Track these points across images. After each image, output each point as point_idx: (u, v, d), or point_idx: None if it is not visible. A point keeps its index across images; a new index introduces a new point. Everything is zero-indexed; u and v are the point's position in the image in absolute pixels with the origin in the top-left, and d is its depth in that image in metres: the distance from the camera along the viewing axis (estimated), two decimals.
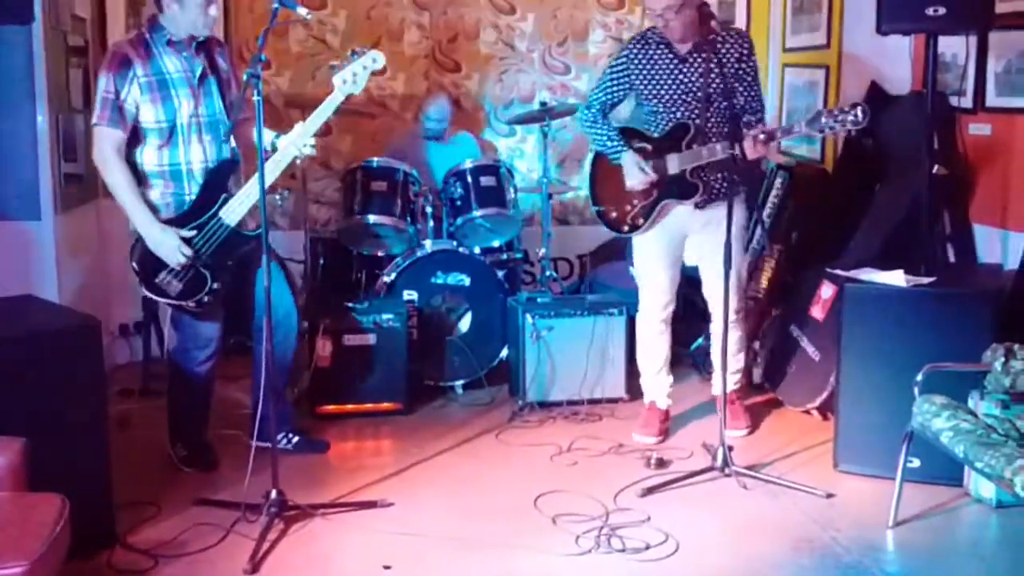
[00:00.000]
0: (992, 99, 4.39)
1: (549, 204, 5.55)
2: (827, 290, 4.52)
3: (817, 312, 4.60)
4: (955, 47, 4.48)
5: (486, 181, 5.24)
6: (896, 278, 3.95)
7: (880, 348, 3.92)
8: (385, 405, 4.76)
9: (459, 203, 5.20)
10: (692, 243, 4.35)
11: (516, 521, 3.65)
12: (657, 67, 4.18)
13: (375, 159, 5.27)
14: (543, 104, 5.65)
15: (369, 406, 4.74)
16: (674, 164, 4.16)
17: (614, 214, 4.39)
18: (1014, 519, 3.66)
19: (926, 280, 3.96)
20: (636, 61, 4.22)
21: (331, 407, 4.72)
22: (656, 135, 4.24)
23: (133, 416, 4.62)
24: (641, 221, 4.30)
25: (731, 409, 4.46)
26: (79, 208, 4.85)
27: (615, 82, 4.28)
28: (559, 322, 4.87)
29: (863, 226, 4.76)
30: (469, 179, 5.21)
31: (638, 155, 4.22)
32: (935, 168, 4.24)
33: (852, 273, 4.13)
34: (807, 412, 4.64)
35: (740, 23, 6.22)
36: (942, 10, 3.88)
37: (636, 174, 4.20)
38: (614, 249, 6.07)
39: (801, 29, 5.78)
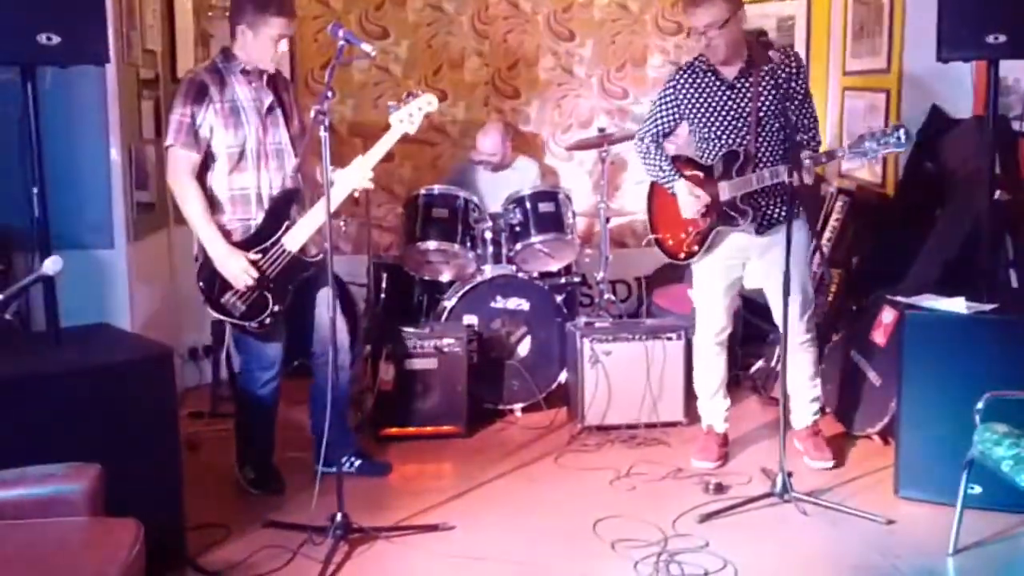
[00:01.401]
0: None
1: (607, 228, 5.59)
2: (888, 315, 4.51)
3: (878, 337, 4.59)
4: (1017, 71, 4.46)
5: (544, 207, 5.30)
6: (957, 305, 3.93)
7: (941, 374, 3.90)
8: (446, 428, 4.83)
9: (518, 228, 5.26)
10: (755, 268, 4.35)
11: (575, 546, 3.70)
12: (705, 95, 4.20)
13: (436, 186, 5.37)
14: (601, 130, 5.71)
15: (430, 429, 4.82)
16: (725, 191, 4.18)
17: (671, 242, 4.42)
18: None
19: (988, 307, 3.94)
20: (684, 90, 4.24)
21: (393, 430, 4.80)
22: (708, 162, 4.27)
23: (202, 438, 4.74)
24: (696, 248, 4.32)
25: (814, 441, 4.48)
26: (151, 236, 5.00)
27: (664, 112, 4.32)
28: (617, 346, 4.91)
29: (924, 251, 4.73)
30: (528, 205, 5.27)
31: (690, 183, 4.25)
32: (997, 193, 4.22)
33: (913, 299, 4.11)
34: (868, 437, 4.62)
35: (800, 47, 6.22)
36: (1002, 37, 3.85)
37: (690, 201, 4.23)
38: (672, 272, 6.09)
39: (861, 53, 5.77)
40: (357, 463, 4.35)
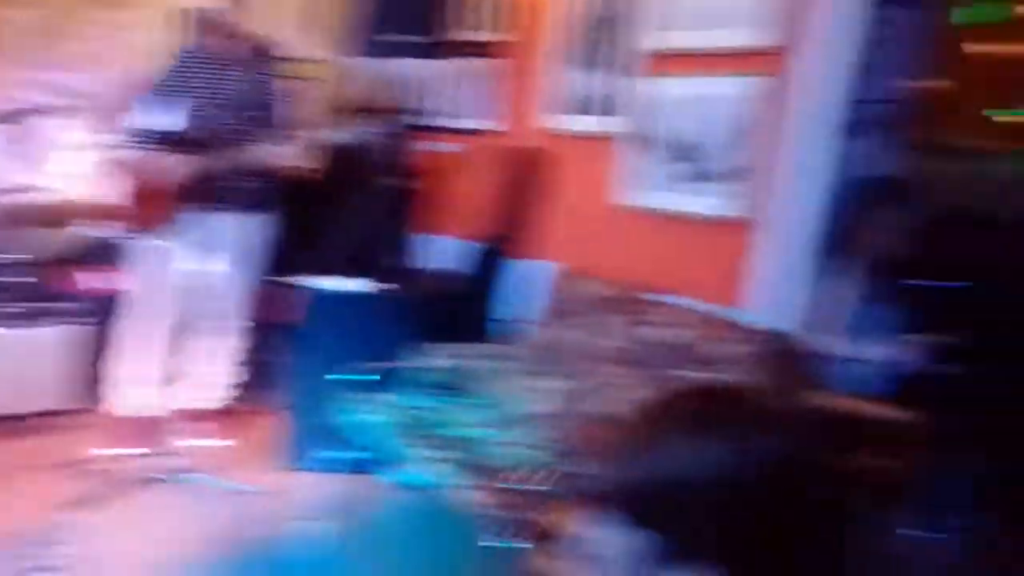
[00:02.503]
0: (447, 120, 4.73)
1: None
2: (284, 295, 4.59)
3: (275, 316, 4.66)
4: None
5: None
6: (342, 284, 4.11)
7: (325, 350, 4.02)
8: None
9: None
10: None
11: None
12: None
13: None
14: None
15: None
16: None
17: (139, 217, 4.02)
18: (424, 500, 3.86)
19: (376, 286, 4.14)
20: None
21: None
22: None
23: None
24: (164, 226, 3.97)
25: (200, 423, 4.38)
26: None
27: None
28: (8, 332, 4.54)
29: (328, 235, 4.89)
30: None
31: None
32: (391, 181, 4.48)
33: (306, 280, 4.22)
34: (261, 412, 4.64)
35: None
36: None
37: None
38: (85, 254, 5.75)
39: None
40: None
